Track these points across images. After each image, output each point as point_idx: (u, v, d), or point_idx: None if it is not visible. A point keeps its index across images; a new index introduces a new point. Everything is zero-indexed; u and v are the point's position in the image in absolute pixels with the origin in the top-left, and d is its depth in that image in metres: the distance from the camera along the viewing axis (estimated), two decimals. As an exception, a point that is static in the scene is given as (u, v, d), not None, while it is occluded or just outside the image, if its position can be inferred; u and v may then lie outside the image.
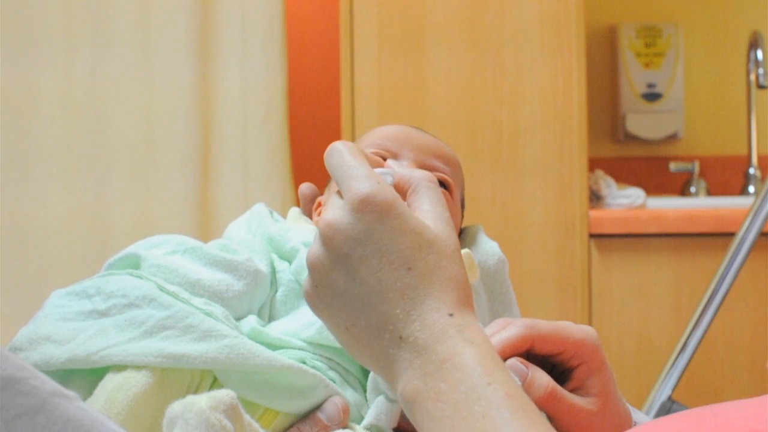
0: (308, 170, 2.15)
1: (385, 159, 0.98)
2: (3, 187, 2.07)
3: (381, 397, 0.83)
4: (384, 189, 0.67)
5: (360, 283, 0.66)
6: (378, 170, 0.70)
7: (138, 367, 0.78)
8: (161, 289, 0.83)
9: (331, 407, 0.82)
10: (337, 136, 2.16)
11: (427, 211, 0.69)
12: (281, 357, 0.81)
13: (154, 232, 0.96)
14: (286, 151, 2.16)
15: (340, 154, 0.70)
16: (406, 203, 0.69)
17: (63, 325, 0.82)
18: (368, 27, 2.12)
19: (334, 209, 0.67)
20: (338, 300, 0.67)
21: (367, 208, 0.66)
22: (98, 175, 2.11)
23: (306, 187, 1.07)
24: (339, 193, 0.69)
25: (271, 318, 0.91)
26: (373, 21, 2.12)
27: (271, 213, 1.01)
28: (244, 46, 2.15)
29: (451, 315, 0.65)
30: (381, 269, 0.65)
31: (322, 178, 1.16)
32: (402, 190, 0.71)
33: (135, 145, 2.13)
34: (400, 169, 0.73)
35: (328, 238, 0.67)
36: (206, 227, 2.12)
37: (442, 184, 0.99)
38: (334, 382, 0.84)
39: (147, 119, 2.13)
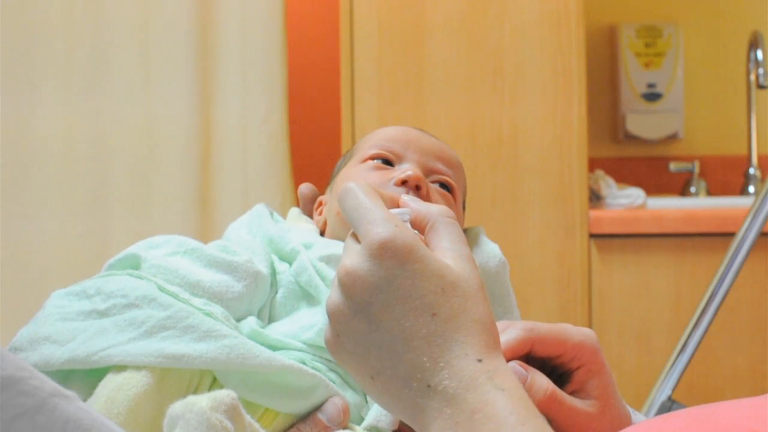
0: (308, 170, 2.15)
1: (389, 162, 0.98)
2: (3, 191, 2.07)
3: (382, 399, 0.82)
4: (403, 232, 0.65)
5: (384, 332, 0.64)
6: (395, 210, 0.69)
7: (138, 368, 0.78)
8: (161, 289, 0.83)
9: (332, 408, 0.81)
10: (337, 136, 2.16)
11: (447, 249, 0.67)
12: (281, 357, 0.81)
13: (155, 233, 0.96)
14: (286, 151, 2.16)
15: (354, 195, 0.68)
16: (424, 241, 0.67)
17: (63, 325, 0.82)
18: (368, 27, 2.12)
19: (352, 255, 0.65)
20: (362, 349, 0.65)
21: (387, 254, 0.64)
22: (98, 177, 2.11)
23: (305, 188, 1.07)
24: (355, 236, 0.67)
25: (270, 319, 0.91)
26: (373, 21, 2.12)
27: (272, 214, 1.01)
28: (244, 46, 2.15)
29: (479, 360, 0.63)
30: (405, 316, 0.63)
31: (321, 178, 1.16)
32: (420, 226, 0.70)
33: (135, 146, 2.12)
34: (417, 205, 0.71)
35: (348, 287, 0.65)
36: (206, 227, 2.12)
37: (445, 186, 0.99)
38: (334, 383, 0.84)
39: (147, 119, 2.12)
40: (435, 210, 0.70)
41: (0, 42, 2.07)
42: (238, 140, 2.14)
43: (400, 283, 0.63)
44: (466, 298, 0.64)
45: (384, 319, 0.64)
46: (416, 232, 0.68)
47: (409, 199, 0.73)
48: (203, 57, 2.14)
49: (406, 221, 0.69)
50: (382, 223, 0.65)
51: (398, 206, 0.72)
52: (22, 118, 2.08)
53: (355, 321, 0.65)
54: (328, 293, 0.86)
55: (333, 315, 0.66)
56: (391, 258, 0.64)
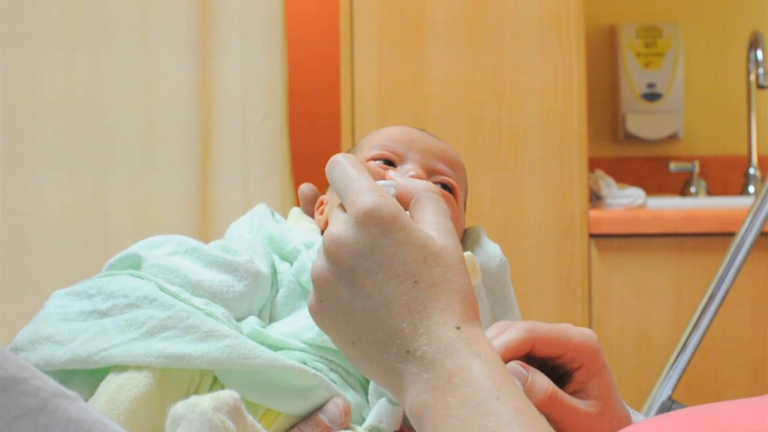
0: (308, 170, 2.15)
1: (391, 162, 0.98)
2: (2, 183, 2.07)
3: (383, 400, 0.82)
4: (388, 202, 0.66)
5: (366, 298, 0.65)
6: (381, 182, 0.70)
7: (139, 368, 0.78)
8: (162, 289, 0.83)
9: (333, 408, 0.81)
10: (337, 136, 2.16)
11: (431, 222, 0.68)
12: (282, 357, 0.81)
13: (154, 232, 0.96)
14: (286, 151, 2.16)
15: (342, 167, 0.69)
16: (409, 215, 0.68)
17: (64, 325, 0.82)
18: (368, 27, 2.12)
19: (337, 223, 0.67)
20: (344, 315, 0.66)
21: (371, 222, 0.65)
22: (98, 171, 2.11)
23: (306, 188, 1.07)
24: (342, 206, 0.69)
25: (271, 319, 0.91)
26: (373, 21, 2.12)
27: (273, 213, 1.01)
28: (244, 45, 2.15)
29: (458, 328, 0.64)
30: (387, 283, 0.65)
31: (322, 178, 1.15)
32: (405, 201, 0.71)
33: (134, 145, 2.13)
34: (403, 180, 0.73)
35: (333, 253, 0.66)
36: (206, 227, 2.12)
37: (447, 187, 0.99)
38: (335, 383, 0.84)
39: (147, 119, 2.13)
40: (420, 185, 0.72)
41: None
42: (238, 140, 2.14)
43: (383, 251, 0.65)
44: (447, 268, 0.66)
45: (366, 285, 0.65)
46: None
47: (395, 174, 0.75)
48: (203, 57, 2.14)
49: (392, 195, 0.70)
50: (367, 193, 0.67)
51: (384, 180, 0.73)
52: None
53: (338, 287, 0.66)
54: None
55: (317, 281, 0.67)
56: (376, 226, 0.65)
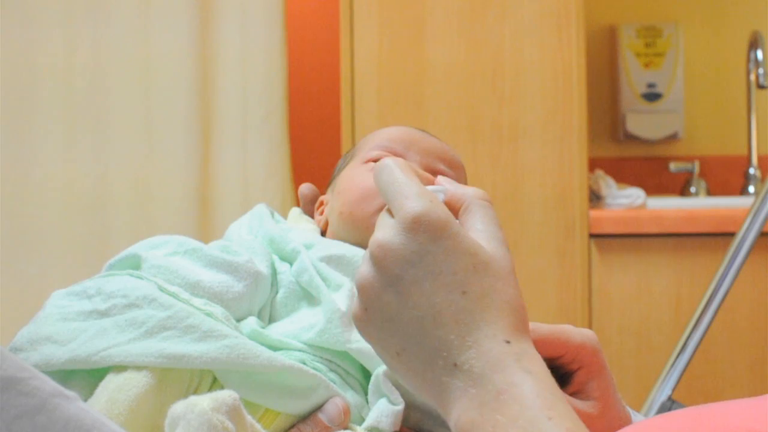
0: (308, 170, 2.15)
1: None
2: (3, 190, 2.07)
3: (383, 400, 0.82)
4: (437, 207, 0.64)
5: (412, 307, 0.63)
6: (430, 188, 0.68)
7: (138, 368, 0.78)
8: (162, 289, 0.83)
9: (332, 408, 0.81)
10: (337, 136, 2.16)
11: (481, 230, 0.66)
12: (282, 357, 0.81)
13: (154, 232, 0.96)
14: (286, 151, 2.16)
15: (390, 171, 0.67)
16: (459, 222, 0.66)
17: (63, 325, 0.82)
18: (368, 26, 2.12)
19: (384, 229, 0.64)
20: (389, 324, 0.64)
21: (420, 228, 0.63)
22: (98, 176, 2.11)
23: (306, 188, 1.07)
24: (389, 211, 0.66)
25: (271, 320, 0.91)
26: (373, 20, 2.12)
27: (273, 214, 1.01)
28: (244, 45, 2.15)
29: (507, 342, 0.62)
30: (435, 292, 0.62)
31: (322, 178, 1.16)
32: (454, 208, 0.68)
33: (135, 145, 2.13)
34: (452, 186, 0.70)
35: (380, 259, 0.64)
36: (206, 227, 2.12)
37: (447, 187, 0.99)
38: (335, 383, 0.84)
39: (147, 119, 2.13)
40: (470, 192, 0.69)
41: None
42: (238, 140, 2.14)
43: (432, 259, 0.63)
44: (497, 279, 0.64)
45: (414, 293, 0.63)
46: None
47: (444, 180, 0.72)
48: (203, 57, 2.14)
49: (441, 201, 0.68)
50: (416, 198, 0.64)
51: (434, 185, 0.71)
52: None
53: (384, 295, 0.64)
54: (329, 294, 0.86)
55: (362, 288, 0.65)
56: (425, 232, 0.63)
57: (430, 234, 0.63)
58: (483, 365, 0.61)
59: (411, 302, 0.63)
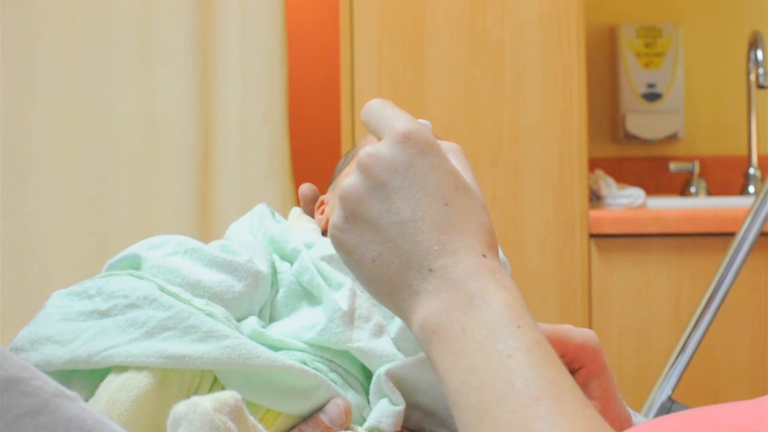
0: (308, 170, 2.15)
1: None
2: (3, 190, 2.07)
3: (384, 400, 0.82)
4: (426, 130, 0.67)
5: (395, 212, 0.65)
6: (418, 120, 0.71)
7: (139, 368, 0.78)
8: (162, 289, 0.83)
9: (333, 408, 0.81)
10: (337, 136, 2.16)
11: (458, 167, 0.69)
12: (283, 357, 0.81)
13: (154, 232, 0.96)
14: (286, 151, 2.16)
15: (378, 107, 0.70)
16: None
17: (64, 325, 0.82)
18: (368, 27, 2.12)
19: (375, 143, 0.67)
20: (369, 230, 0.66)
21: (409, 143, 0.66)
22: (99, 176, 2.11)
23: (306, 188, 1.07)
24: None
25: (271, 319, 0.91)
26: (373, 21, 2.12)
27: (273, 213, 1.01)
28: (244, 46, 2.15)
29: (484, 256, 0.64)
30: (418, 201, 0.65)
31: (322, 178, 1.16)
32: None
33: (135, 146, 2.13)
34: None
35: (367, 167, 0.66)
36: (206, 227, 2.12)
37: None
38: (336, 383, 0.84)
39: (147, 119, 2.13)
40: (448, 144, 0.72)
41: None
42: (238, 140, 2.14)
43: (417, 170, 0.65)
44: (475, 202, 0.66)
45: (397, 200, 0.65)
46: None
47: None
48: (203, 56, 2.14)
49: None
50: (407, 120, 0.67)
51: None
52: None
53: (367, 200, 0.66)
54: (330, 293, 0.86)
55: (345, 196, 0.67)
56: (414, 147, 0.65)
57: (418, 148, 0.66)
58: (459, 272, 0.63)
59: (394, 208, 0.65)
